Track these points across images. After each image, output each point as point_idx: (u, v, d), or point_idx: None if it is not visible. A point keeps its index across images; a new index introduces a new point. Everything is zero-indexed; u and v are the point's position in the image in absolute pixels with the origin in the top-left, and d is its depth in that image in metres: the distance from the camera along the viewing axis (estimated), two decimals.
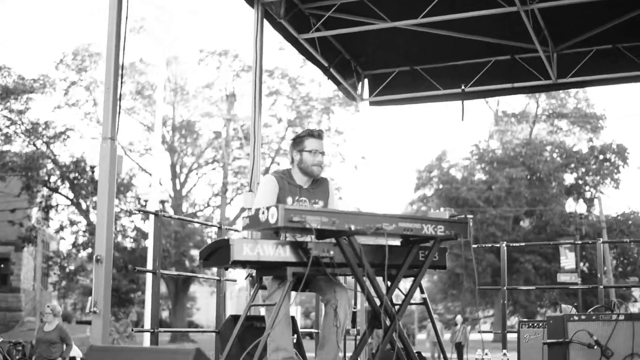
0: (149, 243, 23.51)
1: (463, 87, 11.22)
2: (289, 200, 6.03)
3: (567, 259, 35.98)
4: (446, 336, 34.37)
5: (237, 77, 40.78)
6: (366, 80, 12.17)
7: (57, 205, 39.44)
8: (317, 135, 6.23)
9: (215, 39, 60.59)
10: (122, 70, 6.98)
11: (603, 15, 10.18)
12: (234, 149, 40.57)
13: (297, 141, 6.23)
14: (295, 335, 6.70)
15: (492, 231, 44.10)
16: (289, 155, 6.31)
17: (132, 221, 39.53)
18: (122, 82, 6.97)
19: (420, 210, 49.06)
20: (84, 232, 38.36)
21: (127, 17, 6.96)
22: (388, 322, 5.56)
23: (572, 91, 46.03)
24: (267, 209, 5.16)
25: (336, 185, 42.74)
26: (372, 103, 12.26)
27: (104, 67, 6.88)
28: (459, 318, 27.19)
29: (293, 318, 6.69)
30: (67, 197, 39.02)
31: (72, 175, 37.91)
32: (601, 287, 9.39)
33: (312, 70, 11.06)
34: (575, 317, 6.96)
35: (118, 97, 6.80)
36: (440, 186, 48.65)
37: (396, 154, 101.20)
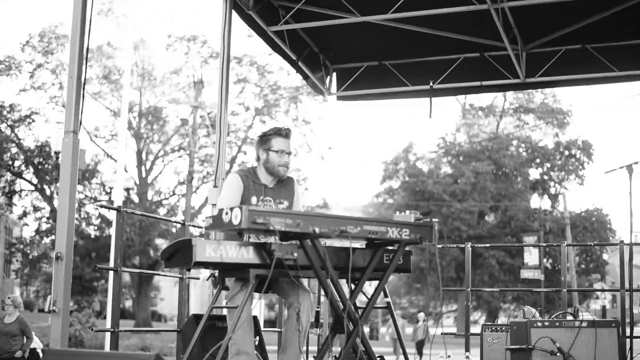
0: (113, 232, 23.28)
1: (431, 84, 11.16)
2: (254, 199, 5.97)
3: (531, 255, 36.25)
4: (407, 330, 34.50)
5: (206, 63, 40.54)
6: (334, 74, 12.08)
7: (20, 190, 39.05)
8: (285, 134, 6.13)
9: (184, 25, 60.07)
10: (86, 62, 6.80)
11: (573, 16, 10.16)
12: (200, 137, 40.35)
13: (264, 139, 6.14)
14: (258, 337, 6.63)
15: (457, 225, 44.28)
16: (255, 153, 6.20)
17: (97, 208, 39.26)
18: (86, 75, 6.79)
19: (386, 202, 49.15)
20: (48, 218, 38.03)
21: (92, 5, 6.78)
22: (351, 326, 5.49)
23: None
24: (231, 209, 5.08)
25: (303, 176, 42.73)
26: (339, 98, 12.17)
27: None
28: (421, 315, 27.30)
29: (255, 318, 6.60)
30: (31, 183, 38.67)
31: (36, 160, 37.56)
32: (564, 290, 9.42)
33: (280, 58, 11.05)
34: (539, 324, 6.96)
35: (82, 89, 6.63)
36: (407, 179, 48.77)
37: (363, 145, 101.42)
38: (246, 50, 41.31)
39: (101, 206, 21.28)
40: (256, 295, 5.64)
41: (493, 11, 9.37)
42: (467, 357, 8.60)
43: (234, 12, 9.62)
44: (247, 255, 5.34)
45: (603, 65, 10.64)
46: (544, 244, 32.62)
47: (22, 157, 37.86)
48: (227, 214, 5.11)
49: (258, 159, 6.17)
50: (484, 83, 11.41)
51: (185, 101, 40.74)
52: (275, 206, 6.06)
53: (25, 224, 42.43)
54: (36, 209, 38.77)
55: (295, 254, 5.35)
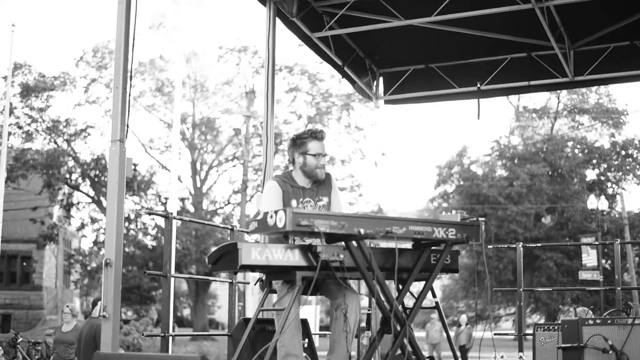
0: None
1: (479, 85, 11.12)
2: (294, 202, 6.01)
3: (589, 257, 35.74)
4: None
5: (257, 73, 40.71)
6: (381, 79, 12.10)
7: (78, 202, 39.63)
8: (320, 137, 6.17)
9: (235, 36, 60.51)
10: (131, 71, 6.90)
11: (620, 12, 10.06)
12: (253, 146, 40.52)
13: (299, 143, 6.17)
14: (307, 340, 6.66)
15: (513, 228, 43.91)
16: (289, 156, 6.25)
17: (153, 219, 39.65)
18: (131, 83, 6.90)
19: (441, 206, 48.91)
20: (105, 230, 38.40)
21: (136, 16, 6.86)
22: (399, 327, 5.49)
23: (593, 87, 45.69)
24: (275, 212, 5.12)
25: (357, 182, 42.71)
26: (387, 102, 12.19)
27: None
28: (463, 318, 25.71)
29: (305, 321, 6.64)
30: (88, 195, 39.19)
31: (92, 173, 38.07)
32: (619, 288, 9.30)
33: (330, 66, 11.09)
34: (590, 322, 6.88)
35: (127, 98, 6.72)
36: (461, 182, 48.48)
37: (416, 150, 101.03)
38: (297, 59, 41.38)
39: (149, 213, 21.53)
40: (312, 299, 5.65)
41: (538, 10, 9.31)
42: (520, 357, 8.54)
43: (278, 20, 9.69)
44: (293, 257, 5.37)
45: None
46: (597, 242, 32.16)
47: (78, 170, 38.41)
48: (271, 217, 5.15)
49: (293, 162, 6.20)
50: (532, 83, 11.34)
51: (238, 111, 40.96)
52: (315, 205, 6.09)
53: (84, 236, 43.04)
54: (93, 220, 39.29)
55: (342, 256, 5.36)
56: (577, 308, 8.07)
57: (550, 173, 46.68)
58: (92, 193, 38.91)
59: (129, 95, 6.74)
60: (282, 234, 5.35)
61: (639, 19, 10.04)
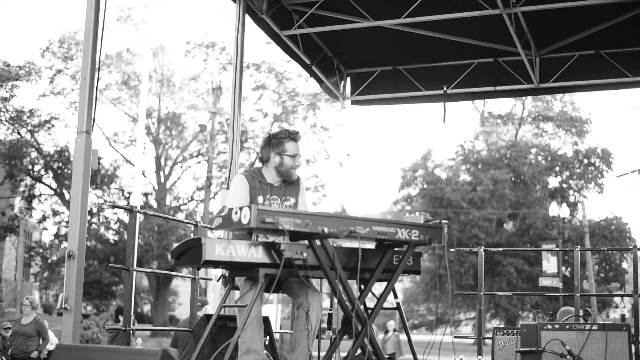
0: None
1: (445, 89, 11.18)
2: (260, 198, 6.04)
3: (549, 263, 36.09)
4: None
5: (224, 70, 40.57)
6: (348, 79, 12.13)
7: (40, 194, 39.22)
8: (297, 137, 6.24)
9: (203, 31, 60.33)
10: (99, 63, 6.85)
11: (586, 21, 10.17)
12: (218, 143, 40.38)
13: (275, 142, 6.21)
14: (268, 337, 6.67)
15: (475, 233, 44.18)
16: (263, 154, 6.26)
17: (116, 213, 39.39)
18: (98, 75, 6.86)
19: (404, 209, 49.06)
20: (67, 222, 38.03)
21: (105, 7, 6.84)
22: (360, 327, 5.51)
23: (558, 94, 46.08)
24: (240, 209, 5.12)
25: (321, 183, 42.72)
26: (354, 102, 12.22)
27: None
28: (390, 324, 23.53)
29: (266, 319, 6.65)
30: (51, 187, 38.81)
31: (56, 165, 37.69)
32: (577, 295, 9.39)
33: (299, 65, 11.05)
34: (549, 326, 6.95)
35: (95, 89, 6.68)
36: (425, 186, 48.68)
37: (382, 152, 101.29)
38: (265, 57, 41.33)
39: (113, 206, 21.41)
40: (274, 298, 5.66)
41: (506, 16, 9.39)
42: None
43: (247, 17, 9.69)
44: (257, 254, 5.37)
45: (617, 70, 10.65)
46: (558, 249, 32.45)
47: (41, 161, 38.02)
48: (236, 213, 5.14)
49: (267, 160, 6.22)
50: (498, 88, 11.44)
51: (204, 107, 40.83)
52: (281, 204, 6.13)
53: (45, 228, 42.68)
54: (55, 213, 38.92)
55: (305, 254, 5.38)
56: (535, 311, 8.15)
57: (513, 179, 47.02)
58: (54, 185, 38.54)
59: (96, 87, 6.70)
60: (246, 231, 5.34)
61: (605, 29, 10.16)
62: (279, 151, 6.18)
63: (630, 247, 9.50)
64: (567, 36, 10.60)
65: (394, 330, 23.11)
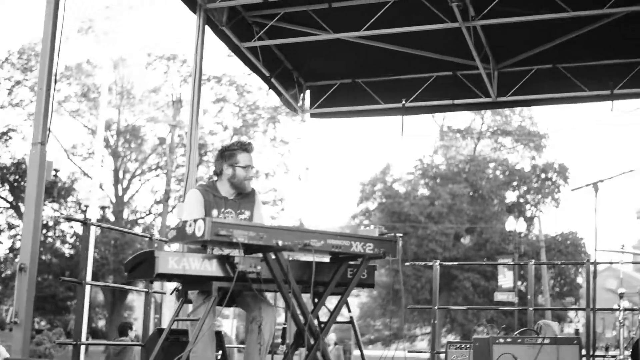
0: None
1: (404, 102, 11.18)
2: (215, 212, 6.00)
3: (505, 278, 36.28)
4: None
5: (185, 82, 40.38)
6: (308, 92, 12.11)
7: None
8: (249, 149, 6.19)
9: (165, 43, 59.94)
10: (56, 73, 6.77)
11: (544, 35, 10.26)
12: (178, 156, 40.17)
13: (228, 154, 6.17)
14: (221, 352, 6.58)
15: (432, 247, 44.21)
16: (216, 167, 6.22)
17: (72, 227, 38.98)
18: (55, 86, 6.76)
19: (362, 223, 49.07)
20: (21, 235, 37.58)
21: (64, 17, 6.77)
22: (312, 341, 5.46)
23: (517, 109, 46.38)
24: (195, 221, 5.08)
25: (279, 196, 42.61)
26: (313, 115, 12.19)
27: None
28: (331, 337, 22.81)
29: (219, 333, 6.57)
30: (6, 200, 38.36)
31: (12, 178, 37.28)
32: (531, 309, 9.43)
33: (259, 78, 11.05)
34: (501, 340, 6.96)
35: (50, 100, 6.59)
36: (383, 200, 48.69)
37: (341, 166, 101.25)
38: (226, 69, 41.12)
39: (67, 219, 21.16)
40: (229, 313, 5.59)
41: (465, 30, 9.43)
42: None
43: (208, 29, 9.65)
44: (210, 267, 5.33)
45: (574, 85, 10.75)
46: (512, 262, 32.67)
47: None
48: (190, 225, 5.11)
49: (220, 173, 6.19)
50: (456, 101, 11.48)
51: (164, 120, 40.63)
52: (236, 217, 6.07)
53: None
54: (10, 226, 38.46)
55: (259, 267, 5.34)
56: (489, 325, 8.16)
57: (471, 193, 47.19)
58: (10, 198, 38.12)
59: (53, 97, 6.61)
60: (200, 244, 5.28)
61: (562, 43, 10.24)
62: (231, 163, 6.14)
63: (583, 261, 9.53)
64: (525, 50, 10.68)
65: (335, 343, 23.01)
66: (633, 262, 29.56)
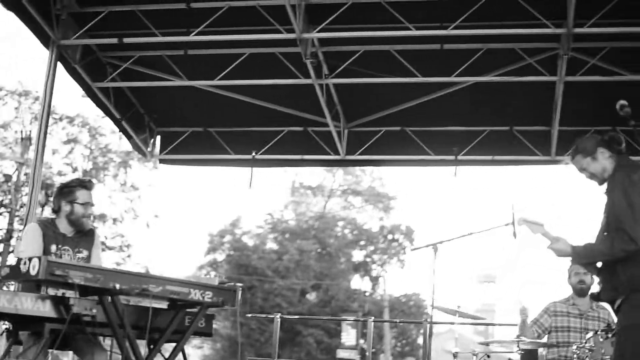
0: None
1: (254, 154, 11.25)
2: (53, 247, 5.87)
3: (349, 335, 36.55)
4: None
5: (35, 120, 39.46)
6: (159, 137, 12.02)
7: None
8: (89, 186, 6.10)
9: (17, 79, 58.52)
10: None
11: (394, 98, 10.53)
12: (23, 195, 39.02)
13: (66, 191, 6.09)
14: None
15: (278, 302, 44.21)
16: (54, 204, 6.11)
17: None
18: None
19: (209, 274, 48.66)
20: None
21: None
22: None
23: (368, 169, 47.22)
24: (29, 259, 4.93)
25: (127, 242, 41.87)
26: (162, 161, 12.11)
27: None
28: None
29: None
30: None
31: None
32: None
33: (109, 119, 10.94)
34: None
35: None
36: (232, 252, 48.49)
37: (191, 215, 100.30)
38: (80, 110, 40.33)
39: None
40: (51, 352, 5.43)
41: (317, 87, 9.59)
42: None
43: (60, 66, 9.50)
44: (44, 308, 5.16)
45: (420, 148, 11.04)
46: (353, 319, 33.02)
47: None
48: (25, 264, 4.95)
49: (59, 210, 6.08)
50: (305, 157, 11.61)
51: (11, 157, 39.50)
52: (73, 255, 5.96)
53: None
54: None
55: (94, 310, 5.21)
56: None
57: (319, 250, 47.55)
58: None
59: None
60: (34, 283, 5.14)
61: (411, 107, 10.53)
62: (70, 199, 6.06)
63: (420, 320, 9.75)
64: (376, 111, 10.93)
65: None
66: (471, 323, 30.25)
